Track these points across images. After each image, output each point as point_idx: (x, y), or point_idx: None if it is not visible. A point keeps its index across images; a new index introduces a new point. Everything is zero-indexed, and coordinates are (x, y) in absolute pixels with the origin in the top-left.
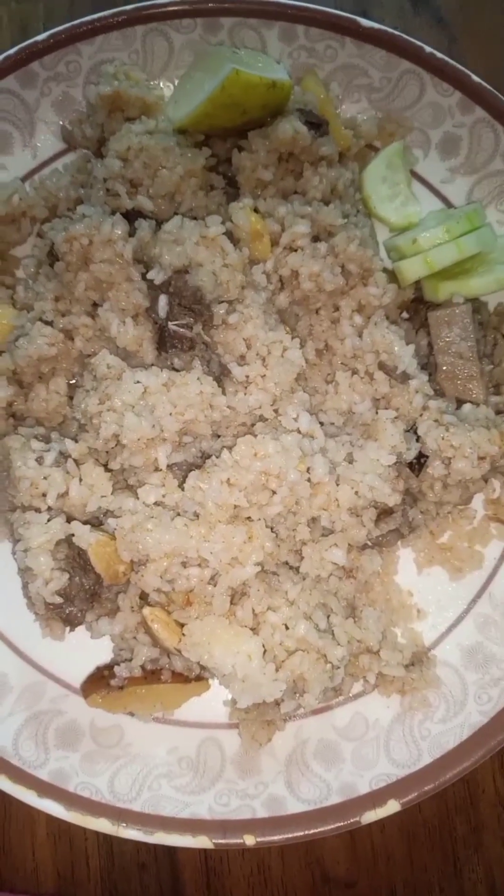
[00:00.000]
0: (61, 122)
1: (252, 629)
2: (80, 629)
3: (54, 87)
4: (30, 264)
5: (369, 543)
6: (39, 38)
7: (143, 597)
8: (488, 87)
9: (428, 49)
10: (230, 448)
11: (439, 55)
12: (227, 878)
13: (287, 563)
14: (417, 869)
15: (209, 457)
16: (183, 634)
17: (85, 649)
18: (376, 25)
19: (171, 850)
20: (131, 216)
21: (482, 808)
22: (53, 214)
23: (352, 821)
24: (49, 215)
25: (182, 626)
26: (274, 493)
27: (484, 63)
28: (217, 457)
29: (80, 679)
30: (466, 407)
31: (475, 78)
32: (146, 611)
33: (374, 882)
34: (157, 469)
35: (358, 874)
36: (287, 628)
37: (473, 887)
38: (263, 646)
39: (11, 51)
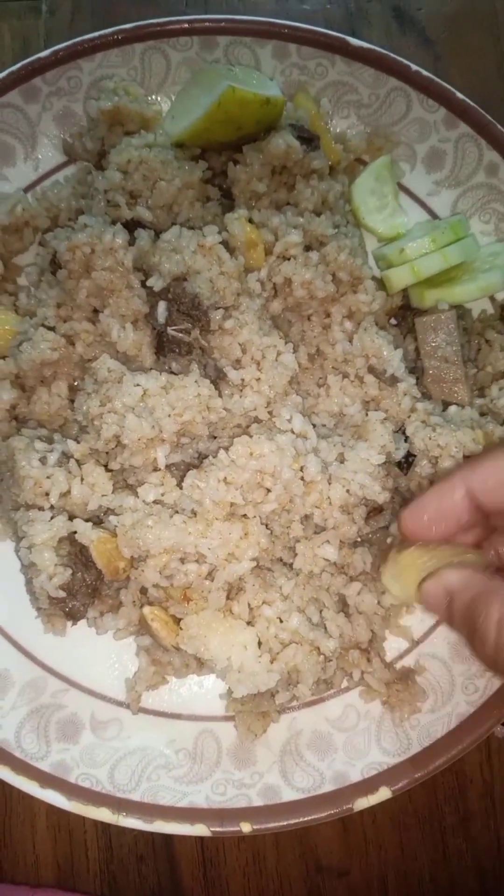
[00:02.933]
0: (62, 136)
1: (248, 622)
2: (79, 627)
3: (56, 102)
4: (32, 272)
5: (360, 540)
6: (42, 54)
7: (144, 592)
8: (472, 103)
9: (414, 67)
10: (227, 448)
11: (425, 73)
12: (224, 868)
13: (281, 559)
14: (408, 858)
15: (206, 457)
16: (180, 629)
17: (84, 645)
18: (365, 44)
19: (168, 842)
20: (131, 226)
21: (470, 797)
22: (55, 224)
23: (344, 808)
24: (51, 225)
25: (180, 621)
26: (269, 491)
27: (468, 80)
28: (214, 456)
29: (79, 674)
30: (452, 409)
31: (459, 95)
32: (146, 609)
33: (367, 871)
34: (156, 469)
35: (350, 863)
36: (281, 621)
37: (463, 875)
38: (258, 638)
39: (15, 67)
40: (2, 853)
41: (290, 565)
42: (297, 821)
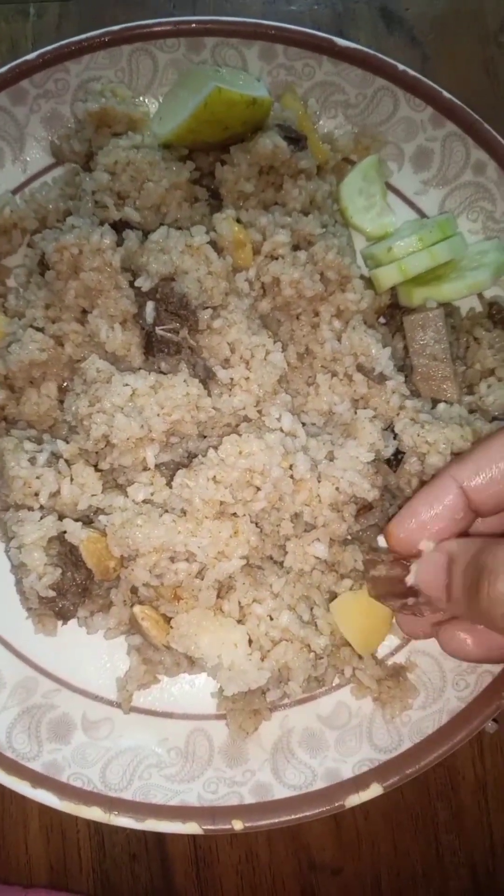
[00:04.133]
0: (50, 138)
1: (238, 621)
2: (70, 627)
3: (43, 104)
4: (21, 273)
5: (350, 538)
6: (29, 56)
7: (134, 591)
8: (458, 102)
9: (401, 67)
10: (216, 447)
11: (412, 72)
12: (216, 867)
13: (271, 557)
14: (401, 854)
15: (195, 456)
16: (171, 628)
17: (75, 646)
18: (352, 45)
19: (161, 841)
20: (119, 227)
21: (463, 793)
22: (43, 226)
23: (336, 804)
24: (39, 226)
25: (170, 620)
26: (258, 489)
27: (455, 79)
28: (203, 455)
29: (71, 674)
30: (441, 406)
31: (446, 94)
32: (136, 609)
33: (360, 868)
34: (145, 468)
35: (343, 861)
36: (272, 619)
37: (455, 871)
38: (249, 636)
39: (2, 69)
40: None
41: (281, 563)
42: (288, 818)
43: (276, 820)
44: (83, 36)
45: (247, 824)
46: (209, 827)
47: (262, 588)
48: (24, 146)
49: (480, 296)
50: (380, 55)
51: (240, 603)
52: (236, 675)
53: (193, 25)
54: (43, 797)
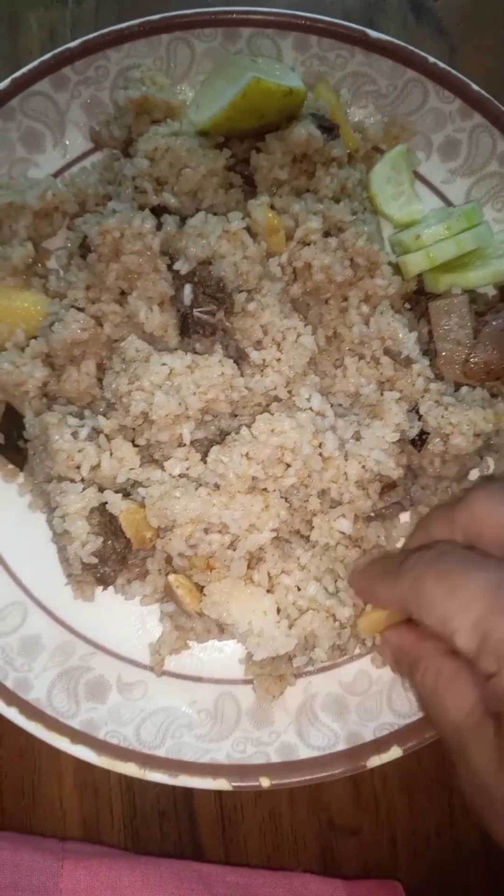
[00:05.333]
0: (90, 124)
1: (267, 590)
2: (105, 595)
3: (84, 91)
4: (62, 255)
5: (373, 515)
6: (72, 44)
7: (169, 561)
8: (486, 94)
9: (431, 59)
10: (248, 425)
11: (442, 65)
12: (241, 825)
13: (299, 531)
14: (416, 816)
15: (227, 434)
16: (204, 595)
17: (110, 613)
18: (384, 37)
19: (188, 799)
20: (158, 212)
21: None
22: (83, 209)
23: (358, 765)
24: (79, 210)
25: (203, 588)
26: (288, 466)
27: (482, 71)
28: (236, 433)
29: (106, 639)
30: (464, 389)
31: (474, 86)
32: (171, 577)
33: (377, 829)
34: (180, 444)
35: (361, 821)
36: (299, 589)
37: (467, 833)
38: (277, 605)
39: (46, 56)
40: (31, 810)
41: (307, 537)
42: (313, 776)
43: (302, 778)
44: (124, 25)
45: (274, 782)
46: (238, 783)
47: (290, 560)
48: (64, 131)
49: None
50: (411, 48)
51: (269, 573)
52: (265, 641)
53: (231, 16)
54: (81, 752)
